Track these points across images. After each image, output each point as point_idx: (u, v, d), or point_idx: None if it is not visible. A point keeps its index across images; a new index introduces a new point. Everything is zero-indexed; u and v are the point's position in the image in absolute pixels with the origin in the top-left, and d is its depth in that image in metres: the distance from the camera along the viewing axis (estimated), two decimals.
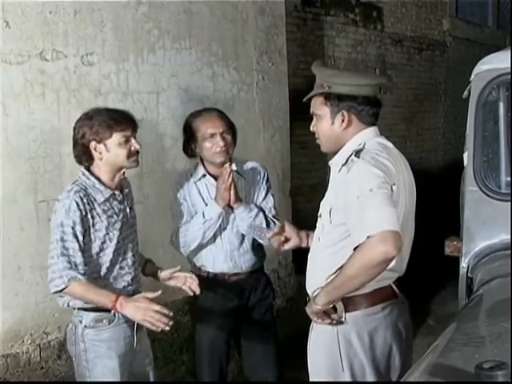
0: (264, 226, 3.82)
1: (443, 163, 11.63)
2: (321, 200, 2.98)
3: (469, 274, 3.34)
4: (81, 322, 3.27)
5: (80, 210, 3.10)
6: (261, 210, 3.85)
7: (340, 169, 2.79)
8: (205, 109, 4.01)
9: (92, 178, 3.23)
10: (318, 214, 2.96)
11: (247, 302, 3.95)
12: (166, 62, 5.84)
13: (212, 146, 3.73)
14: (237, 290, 3.90)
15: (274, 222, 3.88)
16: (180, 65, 5.95)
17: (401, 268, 2.89)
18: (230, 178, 3.61)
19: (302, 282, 7.15)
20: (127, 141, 3.23)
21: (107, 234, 3.23)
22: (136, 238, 3.47)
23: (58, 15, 5.02)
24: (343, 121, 2.85)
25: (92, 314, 3.25)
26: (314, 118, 2.98)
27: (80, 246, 3.10)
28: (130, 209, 3.42)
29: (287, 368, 4.63)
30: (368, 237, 2.51)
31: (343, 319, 2.82)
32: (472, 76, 3.55)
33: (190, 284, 3.47)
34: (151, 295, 3.18)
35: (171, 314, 3.18)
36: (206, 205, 3.77)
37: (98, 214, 3.20)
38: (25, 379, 4.91)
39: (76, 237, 3.07)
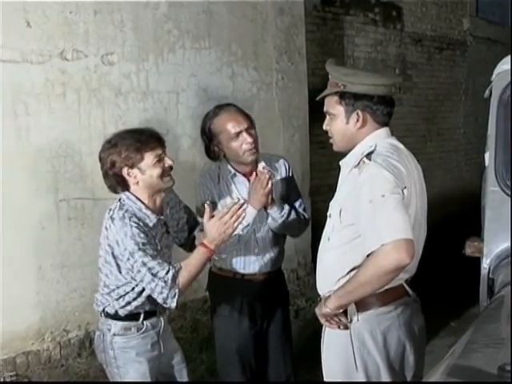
0: (295, 226, 3.79)
1: (464, 163, 11.57)
2: (330, 200, 2.96)
3: (490, 275, 3.32)
4: (109, 330, 3.25)
5: (143, 232, 3.07)
6: (291, 206, 3.78)
7: (350, 170, 2.78)
8: (218, 106, 3.73)
9: (138, 203, 3.16)
10: (328, 214, 2.93)
11: (275, 301, 3.90)
12: (186, 61, 5.86)
13: (240, 144, 3.53)
14: (263, 289, 3.82)
15: (305, 217, 3.85)
16: (199, 64, 5.97)
17: (412, 269, 2.87)
18: (270, 184, 3.46)
19: None
20: (160, 160, 3.15)
21: None
22: (171, 252, 3.42)
23: (79, 15, 5.05)
24: (358, 120, 2.82)
25: (120, 323, 3.24)
26: (328, 117, 2.94)
27: (158, 258, 3.06)
28: (168, 232, 3.36)
29: (305, 368, 4.62)
30: (382, 245, 2.51)
31: (350, 324, 2.81)
32: (493, 76, 3.52)
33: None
34: (207, 217, 3.14)
35: (235, 204, 3.13)
36: None
37: (149, 240, 3.13)
38: (45, 376, 4.95)
39: (153, 255, 3.04)
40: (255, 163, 3.64)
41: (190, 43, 5.89)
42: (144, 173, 3.12)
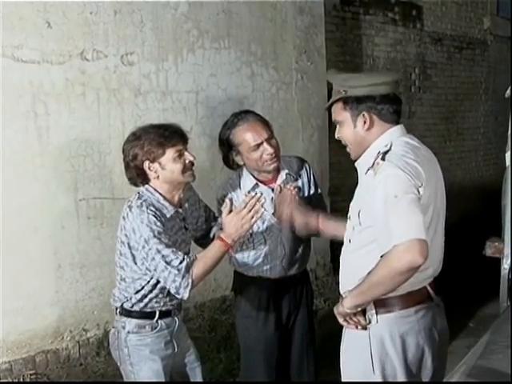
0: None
1: (483, 163, 11.52)
2: (350, 201, 2.95)
3: (510, 276, 3.30)
4: (123, 327, 3.25)
5: (160, 221, 3.07)
6: (314, 208, 3.73)
7: (366, 171, 2.76)
8: (236, 115, 3.61)
9: (156, 194, 3.18)
10: (348, 216, 2.92)
11: (300, 301, 3.89)
12: (205, 61, 5.87)
13: (260, 155, 3.47)
14: (289, 290, 3.80)
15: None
16: (219, 64, 5.97)
17: (436, 269, 2.86)
18: (296, 200, 3.42)
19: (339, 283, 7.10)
20: (181, 155, 3.15)
21: None
22: (189, 250, 3.40)
23: (99, 16, 5.07)
24: (365, 122, 2.80)
25: (135, 321, 3.24)
26: (338, 126, 2.93)
27: (173, 248, 3.06)
28: (186, 228, 3.35)
29: (325, 368, 4.61)
30: (394, 246, 2.49)
31: (369, 325, 2.79)
32: None
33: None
34: (226, 211, 3.13)
35: (252, 198, 3.13)
36: (265, 217, 3.54)
37: (167, 228, 3.14)
38: (64, 375, 4.98)
39: (167, 244, 3.04)
40: (277, 170, 3.61)
41: (210, 43, 5.90)
42: (164, 167, 3.13)
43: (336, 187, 7.30)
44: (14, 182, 4.72)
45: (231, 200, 3.27)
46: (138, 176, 3.18)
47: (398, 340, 2.77)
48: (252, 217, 3.09)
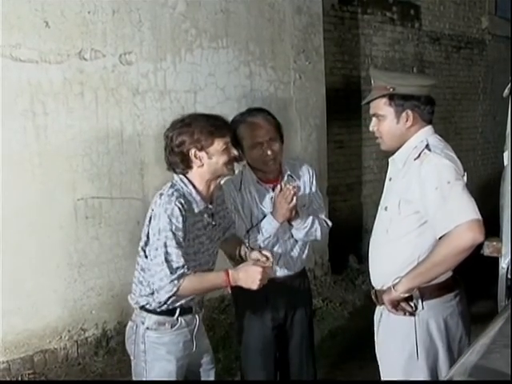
0: (318, 233, 3.77)
1: (481, 162, 11.52)
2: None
3: (508, 275, 3.32)
4: (143, 322, 3.20)
5: (182, 216, 3.02)
6: (313, 213, 3.77)
7: (405, 164, 2.96)
8: (249, 112, 3.69)
9: (190, 186, 3.12)
10: (383, 208, 3.08)
11: (298, 300, 3.89)
12: (204, 61, 5.87)
13: (260, 154, 3.53)
14: (286, 290, 3.82)
15: (327, 223, 3.83)
16: (217, 64, 5.97)
17: None
18: (294, 200, 3.46)
19: (337, 282, 7.10)
20: (227, 148, 3.15)
21: (192, 246, 3.16)
22: (216, 248, 3.39)
23: (97, 15, 5.08)
24: (407, 120, 2.99)
25: (155, 317, 3.19)
26: (374, 119, 3.10)
27: (182, 251, 3.02)
28: (214, 225, 3.31)
29: (322, 367, 4.62)
30: (456, 226, 2.67)
31: (417, 311, 2.93)
32: None
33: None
34: (253, 260, 3.18)
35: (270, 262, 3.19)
36: (263, 215, 3.63)
37: (190, 224, 3.10)
38: (62, 375, 4.98)
39: (178, 243, 3.01)
40: (279, 172, 3.65)
41: (208, 42, 5.90)
42: (211, 157, 3.11)
43: (334, 187, 7.29)
44: (13, 181, 4.72)
45: (268, 254, 3.29)
46: (181, 162, 3.13)
47: (442, 323, 2.97)
48: (263, 284, 3.08)
